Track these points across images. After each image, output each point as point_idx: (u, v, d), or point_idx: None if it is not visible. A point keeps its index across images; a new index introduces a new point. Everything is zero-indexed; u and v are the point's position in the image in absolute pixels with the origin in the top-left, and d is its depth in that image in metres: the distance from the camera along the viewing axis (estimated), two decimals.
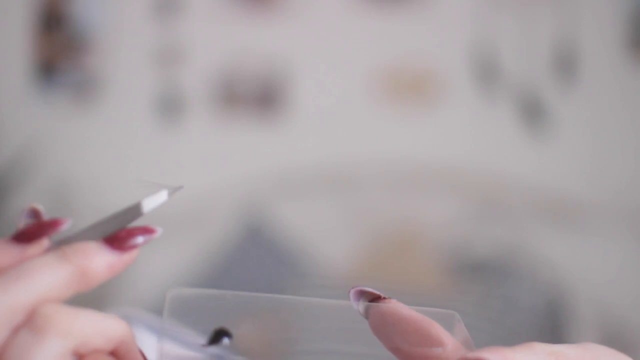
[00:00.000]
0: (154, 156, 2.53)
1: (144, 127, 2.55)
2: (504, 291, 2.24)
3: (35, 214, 0.49)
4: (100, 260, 0.45)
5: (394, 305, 0.50)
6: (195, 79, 2.55)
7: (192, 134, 2.55)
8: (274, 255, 2.44)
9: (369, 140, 2.50)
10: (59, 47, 2.55)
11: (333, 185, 2.49)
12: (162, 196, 0.49)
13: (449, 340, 0.50)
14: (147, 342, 0.71)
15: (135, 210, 0.49)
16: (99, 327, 0.44)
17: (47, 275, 0.44)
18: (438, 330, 0.51)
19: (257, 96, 2.58)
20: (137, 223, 0.49)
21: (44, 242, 0.47)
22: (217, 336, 0.55)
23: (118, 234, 0.46)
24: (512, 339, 2.17)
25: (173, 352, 0.72)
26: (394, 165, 2.46)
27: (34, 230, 0.47)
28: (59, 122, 2.51)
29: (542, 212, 2.44)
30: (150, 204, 0.49)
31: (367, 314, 0.51)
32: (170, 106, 2.55)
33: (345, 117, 2.52)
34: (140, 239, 0.46)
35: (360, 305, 0.51)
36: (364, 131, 2.52)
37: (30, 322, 0.43)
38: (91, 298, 2.67)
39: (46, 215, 0.49)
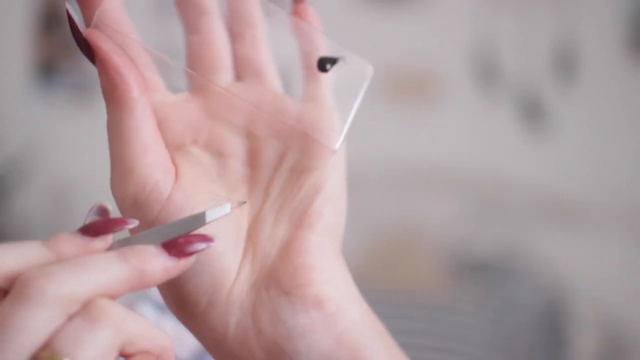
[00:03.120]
0: None
1: None
2: (504, 291, 2.24)
3: (103, 211, 0.51)
4: (156, 264, 0.47)
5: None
6: None
7: None
8: None
9: (368, 140, 2.50)
10: (59, 47, 2.55)
11: None
12: (225, 209, 0.51)
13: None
14: (148, 316, 0.72)
15: (198, 219, 0.50)
16: (149, 331, 0.46)
17: (107, 271, 0.45)
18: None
19: None
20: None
21: (109, 239, 0.49)
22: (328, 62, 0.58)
23: (177, 240, 0.48)
24: (512, 339, 2.17)
25: (172, 333, 0.73)
26: (394, 165, 2.46)
27: (101, 226, 0.48)
28: (59, 122, 2.51)
29: (541, 211, 2.44)
30: (213, 214, 0.51)
31: None
32: None
33: None
34: (198, 246, 0.48)
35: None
36: (363, 131, 2.51)
37: (85, 311, 0.44)
38: None
39: (113, 214, 0.51)
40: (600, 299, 2.42)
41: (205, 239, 0.49)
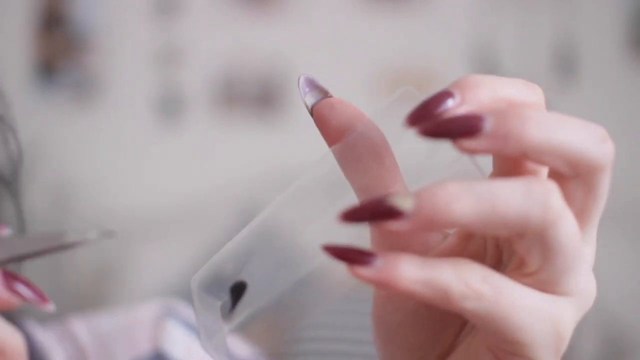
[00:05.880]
0: (154, 156, 2.53)
1: (144, 127, 2.55)
2: None
3: None
4: None
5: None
6: (195, 79, 2.55)
7: (192, 134, 2.55)
8: None
9: None
10: (59, 47, 2.55)
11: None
12: (90, 234, 0.45)
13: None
14: (178, 338, 0.70)
15: (57, 238, 0.45)
16: None
17: None
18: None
19: (256, 96, 2.58)
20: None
21: None
22: (238, 291, 0.47)
23: (18, 276, 0.43)
24: None
25: (201, 354, 0.70)
26: None
27: None
28: (59, 122, 2.51)
29: None
30: (74, 237, 0.45)
31: (312, 110, 0.46)
32: (170, 106, 2.55)
33: None
34: (26, 293, 0.42)
35: (308, 99, 0.46)
36: None
37: None
38: (91, 297, 2.67)
39: None
40: (600, 299, 2.41)
41: (39, 296, 0.42)
